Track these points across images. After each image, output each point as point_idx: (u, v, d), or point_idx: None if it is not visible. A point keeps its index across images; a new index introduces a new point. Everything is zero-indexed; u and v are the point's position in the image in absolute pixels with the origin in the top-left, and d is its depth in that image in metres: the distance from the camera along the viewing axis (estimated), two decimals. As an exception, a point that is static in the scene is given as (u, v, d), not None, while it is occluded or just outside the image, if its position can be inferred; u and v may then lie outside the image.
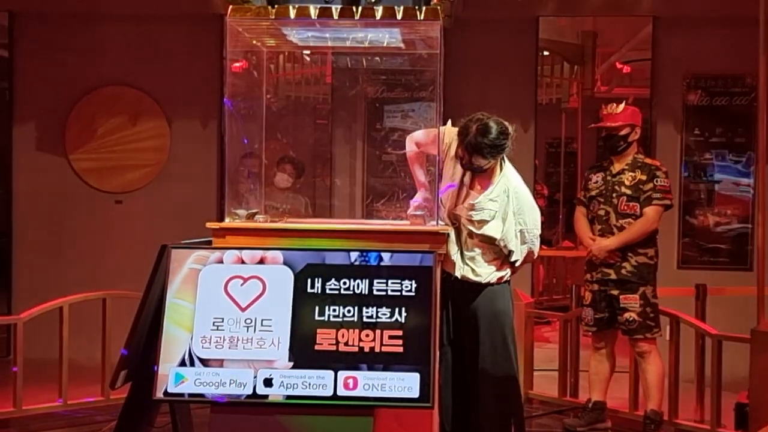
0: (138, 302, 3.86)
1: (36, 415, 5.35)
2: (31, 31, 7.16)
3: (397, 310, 3.55)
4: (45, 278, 6.93)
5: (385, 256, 3.63)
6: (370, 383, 3.48)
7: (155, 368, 3.54)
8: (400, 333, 3.53)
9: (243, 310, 3.58)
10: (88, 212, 7.14)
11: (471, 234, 4.10)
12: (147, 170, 7.19)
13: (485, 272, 4.11)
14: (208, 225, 3.91)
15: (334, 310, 3.56)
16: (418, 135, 4.26)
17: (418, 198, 4.14)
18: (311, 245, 3.75)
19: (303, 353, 3.53)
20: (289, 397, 3.49)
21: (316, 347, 3.53)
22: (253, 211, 4.16)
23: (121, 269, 6.75)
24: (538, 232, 4.20)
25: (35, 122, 7.23)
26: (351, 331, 3.54)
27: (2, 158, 7.19)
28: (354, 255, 3.64)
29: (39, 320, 5.40)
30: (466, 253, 4.12)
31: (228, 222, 3.98)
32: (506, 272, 4.17)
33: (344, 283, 3.59)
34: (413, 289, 3.58)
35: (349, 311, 3.56)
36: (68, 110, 7.15)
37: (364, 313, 3.56)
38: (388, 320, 3.55)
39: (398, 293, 3.58)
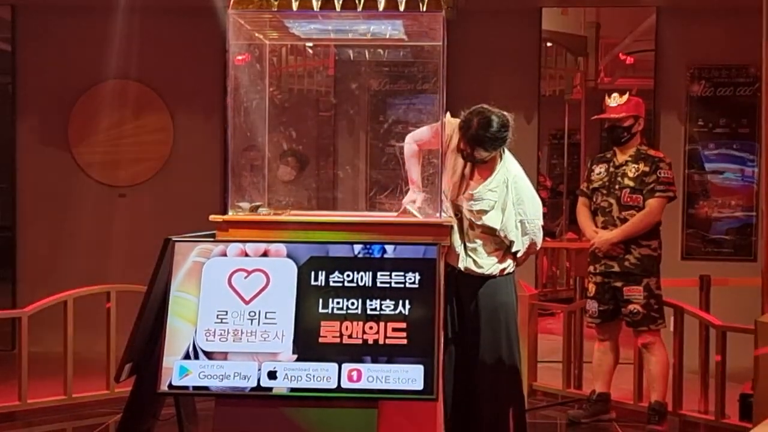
0: (142, 296, 3.86)
1: (41, 408, 5.36)
2: (34, 25, 7.15)
3: (401, 302, 3.56)
4: (49, 272, 6.94)
5: (389, 248, 3.63)
6: (374, 375, 3.49)
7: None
8: (404, 325, 3.53)
9: (247, 302, 3.59)
10: (92, 206, 7.14)
11: (472, 225, 4.10)
12: (150, 164, 7.19)
13: (487, 264, 4.11)
14: (212, 218, 3.91)
15: (338, 303, 3.56)
16: (418, 134, 4.27)
17: (411, 196, 4.15)
18: (315, 238, 3.75)
19: (307, 346, 3.53)
20: (293, 389, 3.49)
21: (320, 340, 3.54)
22: (257, 204, 4.16)
23: (125, 263, 6.76)
24: (540, 222, 4.20)
25: (38, 116, 7.23)
26: (355, 323, 3.54)
27: (6, 152, 7.20)
28: (357, 248, 3.64)
29: (44, 314, 5.41)
30: (468, 244, 4.12)
31: (231, 215, 3.98)
32: (508, 264, 4.16)
33: (348, 276, 3.59)
34: (417, 282, 3.58)
35: (352, 304, 3.56)
36: (71, 104, 7.15)
37: (367, 306, 3.56)
38: (392, 312, 3.55)
39: (402, 285, 3.58)
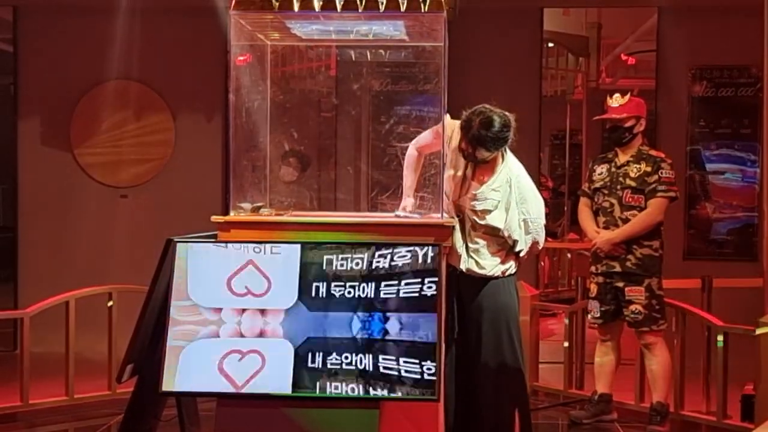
0: (144, 296, 3.86)
1: (43, 409, 5.36)
2: (35, 26, 7.16)
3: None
4: (51, 273, 6.94)
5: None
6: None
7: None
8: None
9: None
10: (94, 207, 7.15)
11: (474, 225, 4.10)
12: (152, 164, 7.20)
13: (489, 264, 4.11)
14: (213, 218, 3.91)
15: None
16: (419, 139, 4.29)
17: (402, 203, 4.17)
18: (316, 238, 3.74)
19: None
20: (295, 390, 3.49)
21: None
22: (258, 204, 4.16)
23: (126, 263, 6.77)
24: (542, 222, 4.20)
25: (40, 117, 7.24)
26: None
27: (7, 153, 7.20)
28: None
29: (45, 314, 5.41)
30: (470, 245, 4.11)
31: (233, 215, 3.98)
32: (510, 265, 4.16)
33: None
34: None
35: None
36: (73, 105, 7.16)
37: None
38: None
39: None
